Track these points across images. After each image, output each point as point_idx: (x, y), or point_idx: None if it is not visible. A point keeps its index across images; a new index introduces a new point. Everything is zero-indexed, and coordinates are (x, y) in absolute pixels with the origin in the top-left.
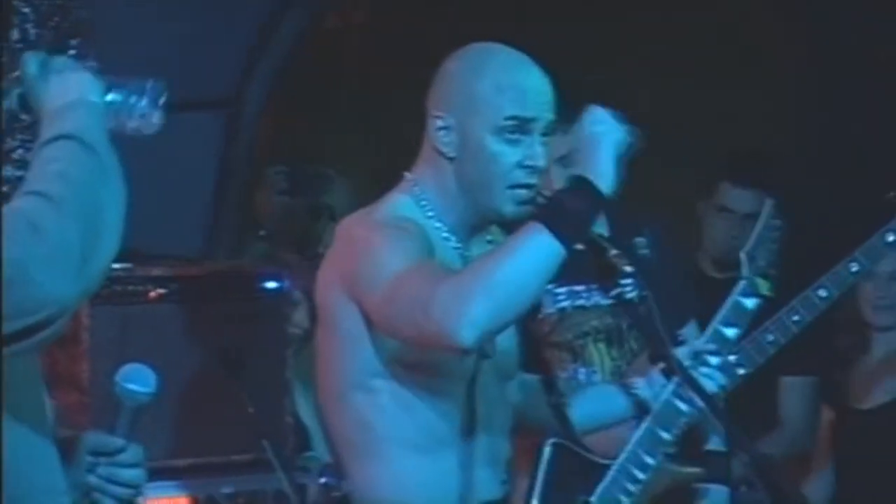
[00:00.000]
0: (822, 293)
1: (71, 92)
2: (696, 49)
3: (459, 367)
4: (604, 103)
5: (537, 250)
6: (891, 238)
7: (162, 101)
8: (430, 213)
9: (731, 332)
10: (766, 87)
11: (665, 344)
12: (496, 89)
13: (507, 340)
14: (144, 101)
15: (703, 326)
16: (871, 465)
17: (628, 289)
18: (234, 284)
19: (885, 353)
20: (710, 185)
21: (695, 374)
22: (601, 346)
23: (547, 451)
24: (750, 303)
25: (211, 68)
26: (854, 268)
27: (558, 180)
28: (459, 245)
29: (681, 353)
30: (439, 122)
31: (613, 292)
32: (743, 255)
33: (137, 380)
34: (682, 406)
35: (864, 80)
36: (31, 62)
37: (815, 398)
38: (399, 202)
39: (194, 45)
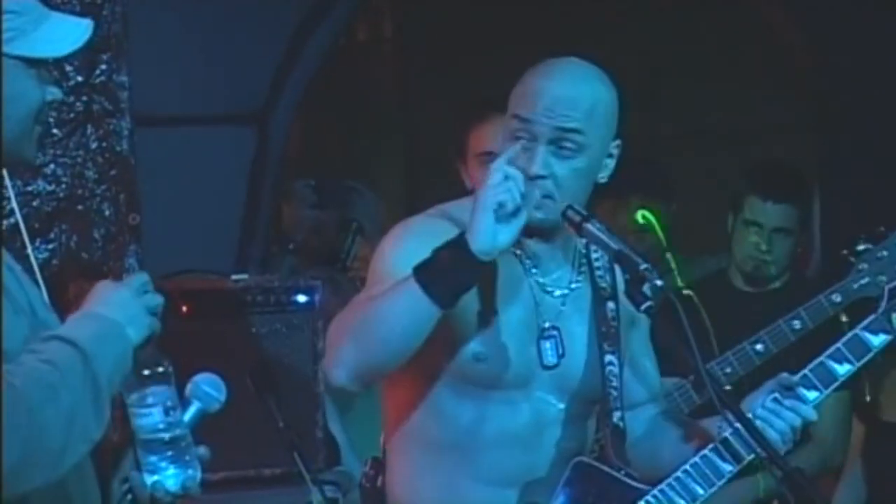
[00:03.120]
0: (759, 347)
1: (119, 311)
2: (717, 62)
3: (492, 373)
4: None
5: (407, 302)
6: (837, 299)
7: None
8: None
9: (842, 369)
10: (787, 98)
11: (695, 355)
12: (514, 94)
13: (579, 357)
14: (219, 397)
15: (725, 342)
16: None
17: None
18: (265, 298)
19: None
20: (738, 199)
21: (774, 406)
22: None
23: (568, 469)
24: (877, 339)
25: (240, 83)
26: (797, 325)
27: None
28: (520, 251)
29: (767, 384)
30: None
31: (644, 305)
32: (885, 289)
33: (213, 386)
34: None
35: (883, 89)
36: None
37: (847, 412)
38: (466, 205)
39: (224, 60)
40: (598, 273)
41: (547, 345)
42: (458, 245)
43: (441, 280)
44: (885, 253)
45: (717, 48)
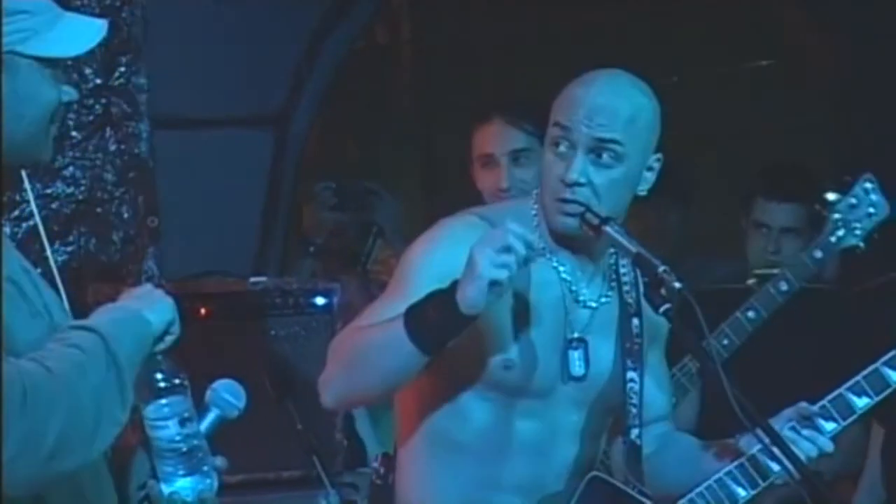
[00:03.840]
0: (751, 315)
1: (136, 300)
2: (729, 62)
3: (520, 380)
4: None
5: (395, 345)
6: (818, 255)
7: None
8: (535, 221)
9: (860, 402)
10: (802, 99)
11: (712, 358)
12: (558, 101)
13: (602, 372)
14: (238, 405)
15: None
16: None
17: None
18: (283, 301)
19: None
20: (748, 201)
21: (792, 436)
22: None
23: (583, 484)
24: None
25: (259, 85)
26: (783, 287)
27: (507, 174)
28: (551, 255)
29: (785, 413)
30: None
31: (663, 308)
32: None
33: (232, 393)
34: (772, 465)
35: None
36: None
37: (866, 416)
38: (500, 210)
39: (243, 62)
40: (625, 289)
41: (574, 355)
42: (447, 299)
43: (427, 331)
44: (854, 201)
45: (733, 49)
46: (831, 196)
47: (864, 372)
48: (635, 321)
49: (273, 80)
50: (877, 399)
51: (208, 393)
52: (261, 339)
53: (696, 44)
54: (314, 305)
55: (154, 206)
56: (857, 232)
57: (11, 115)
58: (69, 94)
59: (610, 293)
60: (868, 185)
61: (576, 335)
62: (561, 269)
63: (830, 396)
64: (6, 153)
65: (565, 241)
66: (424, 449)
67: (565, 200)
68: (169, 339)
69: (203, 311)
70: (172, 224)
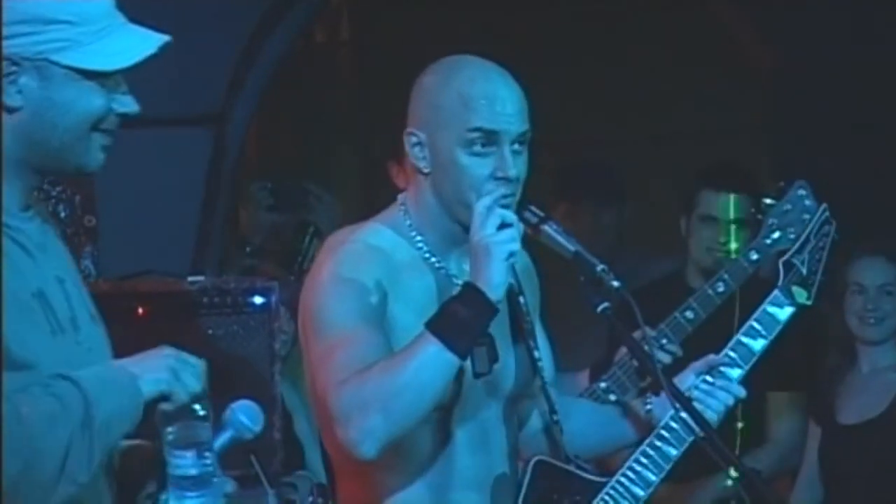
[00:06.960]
0: (690, 315)
1: (139, 364)
2: (665, 62)
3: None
4: None
5: (431, 362)
6: (755, 256)
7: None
8: (413, 232)
9: (757, 344)
10: (738, 99)
11: (651, 359)
12: (461, 101)
13: (509, 358)
14: (253, 428)
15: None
16: (859, 481)
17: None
18: (221, 300)
19: (872, 369)
20: (691, 198)
21: (707, 388)
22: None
23: (529, 470)
24: (783, 313)
25: (197, 84)
26: (689, 315)
27: None
28: (441, 263)
29: (693, 366)
30: (413, 139)
31: (601, 307)
32: (780, 264)
33: (249, 416)
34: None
35: (840, 90)
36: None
37: (803, 414)
38: (378, 229)
39: (181, 61)
40: None
41: (479, 353)
42: (470, 296)
43: (464, 333)
44: (788, 206)
45: (670, 49)
46: (767, 200)
47: (754, 316)
48: (521, 300)
49: (211, 79)
50: (771, 338)
51: (226, 412)
52: (199, 339)
53: (634, 44)
54: (252, 304)
55: (91, 205)
56: (791, 236)
57: (46, 123)
58: (125, 104)
59: None
60: (801, 192)
61: None
62: (449, 271)
63: (730, 345)
64: (40, 161)
65: (456, 237)
66: (364, 473)
67: (504, 197)
68: (198, 407)
69: (140, 310)
70: (110, 223)
